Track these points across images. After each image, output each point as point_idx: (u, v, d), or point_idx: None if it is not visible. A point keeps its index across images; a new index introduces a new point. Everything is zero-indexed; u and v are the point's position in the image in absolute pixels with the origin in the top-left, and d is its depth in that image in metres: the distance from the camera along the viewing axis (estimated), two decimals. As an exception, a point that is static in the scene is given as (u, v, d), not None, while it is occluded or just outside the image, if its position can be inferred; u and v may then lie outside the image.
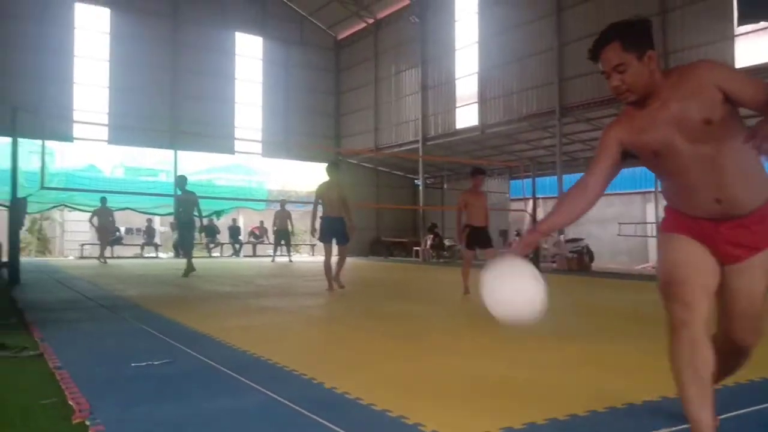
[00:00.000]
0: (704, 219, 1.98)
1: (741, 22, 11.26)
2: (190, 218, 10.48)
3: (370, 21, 21.68)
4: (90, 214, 15.40)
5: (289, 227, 16.28)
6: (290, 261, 16.39)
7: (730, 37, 11.62)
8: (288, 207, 16.56)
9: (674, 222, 2.10)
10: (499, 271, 2.00)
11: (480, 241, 7.59)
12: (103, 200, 15.07)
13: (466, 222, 7.56)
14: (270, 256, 17.07)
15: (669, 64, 12.49)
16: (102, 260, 14.72)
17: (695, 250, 2.01)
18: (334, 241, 7.93)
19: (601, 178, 2.11)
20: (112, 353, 3.77)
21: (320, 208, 8.07)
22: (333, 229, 7.88)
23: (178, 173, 17.23)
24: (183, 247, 10.59)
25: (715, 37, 11.79)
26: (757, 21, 11.04)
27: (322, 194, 7.98)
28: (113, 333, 4.54)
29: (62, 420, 2.36)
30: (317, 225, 8.12)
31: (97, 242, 16.06)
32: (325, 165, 8.60)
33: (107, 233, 15.11)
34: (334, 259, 7.99)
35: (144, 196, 17.29)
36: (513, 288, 1.98)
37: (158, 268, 12.89)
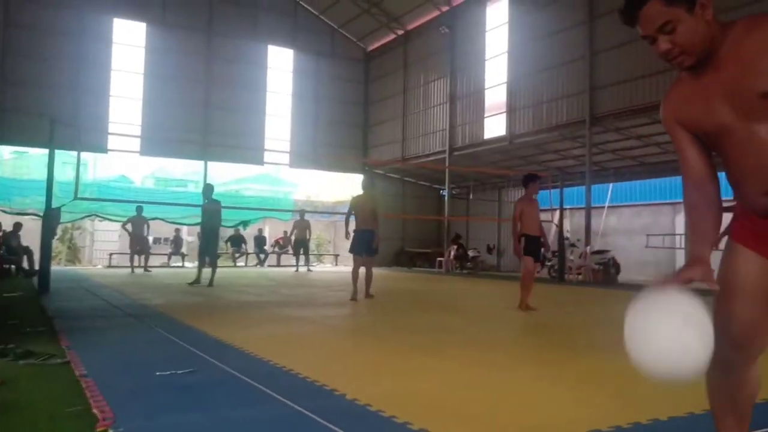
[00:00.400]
0: (759, 217, 1.62)
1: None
2: (215, 227, 10.53)
3: (400, 32, 21.78)
4: (124, 221, 15.61)
5: (308, 237, 16.33)
6: (309, 270, 16.40)
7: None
8: (314, 217, 16.65)
9: (738, 224, 1.71)
10: (656, 312, 1.56)
11: (536, 251, 7.27)
12: (139, 209, 15.25)
13: (522, 231, 7.18)
14: (293, 266, 17.11)
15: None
16: (147, 270, 14.85)
17: (755, 273, 1.64)
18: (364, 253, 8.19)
19: (699, 169, 1.66)
20: (137, 362, 3.81)
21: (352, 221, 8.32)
22: (364, 241, 8.10)
23: (206, 183, 17.48)
24: (208, 255, 10.59)
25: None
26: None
27: (356, 207, 8.25)
28: (139, 341, 4.59)
29: (87, 428, 2.38)
30: (349, 236, 8.37)
31: (127, 252, 16.28)
32: (356, 176, 8.78)
33: (141, 242, 15.28)
34: (362, 270, 8.21)
35: (172, 206, 17.54)
36: (669, 336, 1.50)
37: (185, 278, 13.03)
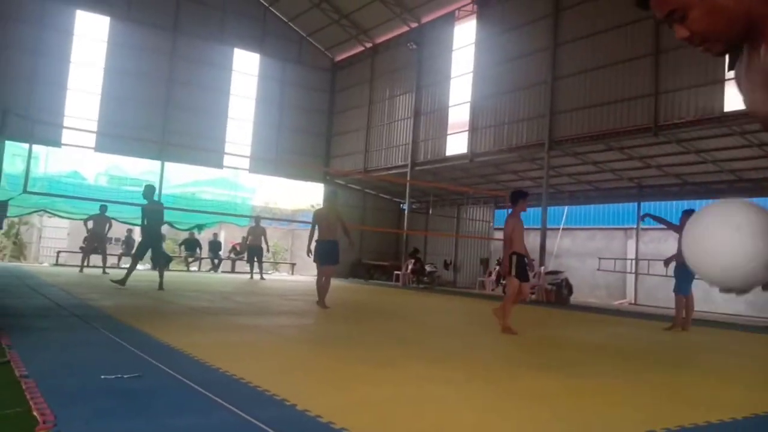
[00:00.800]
0: None
1: (730, 68, 11.48)
2: (158, 229, 10.31)
3: (369, 45, 21.89)
4: (85, 218, 15.05)
5: (263, 244, 16.00)
6: (262, 278, 16.07)
7: (720, 81, 11.85)
8: (272, 224, 16.43)
9: None
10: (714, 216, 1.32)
11: (526, 272, 6.98)
12: (103, 208, 14.66)
13: (513, 250, 6.89)
14: (248, 272, 16.82)
15: (659, 104, 12.72)
16: (105, 271, 14.36)
17: None
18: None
19: None
20: (81, 364, 3.68)
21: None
22: (327, 252, 8.45)
23: (162, 184, 17.13)
24: (156, 258, 10.37)
25: (706, 80, 12.00)
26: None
27: (319, 219, 8.61)
28: (84, 343, 4.45)
29: (26, 430, 2.29)
30: (312, 247, 8.63)
31: (76, 250, 15.75)
32: (317, 185, 8.94)
33: (100, 241, 14.76)
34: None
35: (126, 205, 17.10)
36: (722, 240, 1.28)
37: (135, 280, 12.72)
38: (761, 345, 7.76)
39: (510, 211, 7.19)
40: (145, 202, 10.27)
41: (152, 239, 10.28)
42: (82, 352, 4.11)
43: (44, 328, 5.06)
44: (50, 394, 2.79)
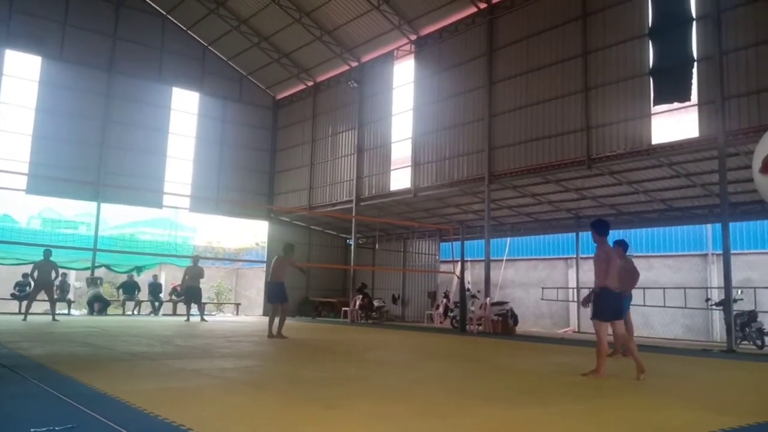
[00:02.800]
0: None
1: (656, 103, 12.15)
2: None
3: (310, 83, 22.06)
4: (31, 268, 14.18)
5: (201, 285, 15.51)
6: (203, 320, 15.53)
7: (648, 115, 12.46)
8: (216, 264, 16.04)
9: None
10: None
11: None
12: (47, 253, 13.88)
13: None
14: (184, 315, 16.23)
15: (591, 138, 13.25)
16: (55, 318, 13.61)
17: None
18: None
19: None
20: (8, 418, 3.46)
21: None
22: (276, 292, 10.49)
23: (98, 226, 16.59)
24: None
25: (634, 115, 12.59)
26: (669, 102, 11.95)
27: (274, 266, 10.60)
28: (12, 395, 4.19)
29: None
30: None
31: (6, 297, 14.91)
32: (261, 223, 9.68)
33: (48, 289, 13.93)
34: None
35: (60, 249, 16.43)
36: None
37: (69, 326, 12.15)
38: (699, 367, 8.04)
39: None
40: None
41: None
42: (10, 404, 3.87)
43: (-33, 382, 4.75)
44: (-28, 453, 2.60)
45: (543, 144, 14.23)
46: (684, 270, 15.69)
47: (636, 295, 15.46)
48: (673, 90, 11.84)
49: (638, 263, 16.52)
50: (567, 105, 13.84)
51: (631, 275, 8.44)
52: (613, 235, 16.01)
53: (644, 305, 15.12)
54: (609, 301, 6.13)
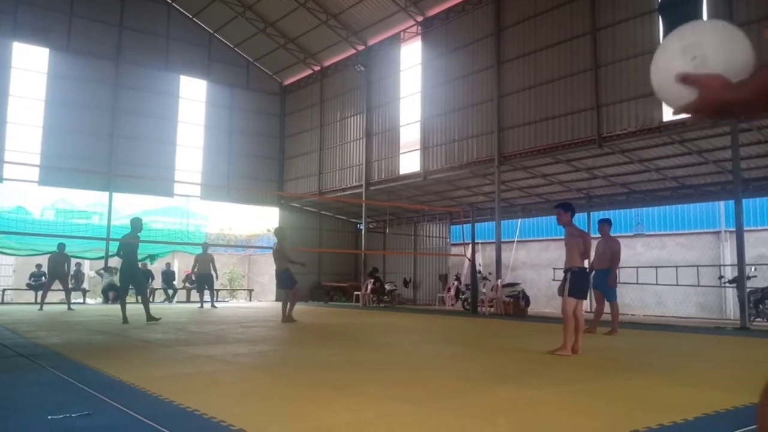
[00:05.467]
0: None
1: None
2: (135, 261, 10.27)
3: (317, 68, 21.98)
4: (44, 258, 14.55)
5: (212, 272, 15.66)
6: (213, 307, 15.68)
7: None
8: (228, 251, 16.15)
9: None
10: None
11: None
12: (61, 246, 14.13)
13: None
14: (197, 302, 16.39)
15: (601, 116, 13.13)
16: (71, 308, 13.91)
17: None
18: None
19: None
20: (26, 405, 3.53)
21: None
22: (282, 279, 10.89)
23: (110, 216, 16.75)
24: (142, 293, 10.44)
25: (644, 92, 12.38)
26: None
27: (275, 255, 10.84)
28: (30, 383, 4.26)
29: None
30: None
31: (22, 287, 15.13)
32: (272, 209, 9.58)
33: (63, 280, 14.18)
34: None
35: (74, 239, 16.59)
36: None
37: (85, 315, 12.32)
38: (711, 346, 8.01)
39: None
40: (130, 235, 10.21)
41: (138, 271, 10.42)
42: (28, 392, 3.94)
43: (-14, 371, 4.84)
44: (-9, 440, 2.66)
45: (553, 123, 14.13)
46: (697, 248, 15.59)
47: (648, 273, 15.47)
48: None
49: (651, 242, 16.56)
50: (577, 83, 13.70)
51: (612, 253, 8.87)
52: (627, 214, 15.93)
53: (657, 284, 15.07)
54: (585, 281, 6.51)
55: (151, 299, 19.08)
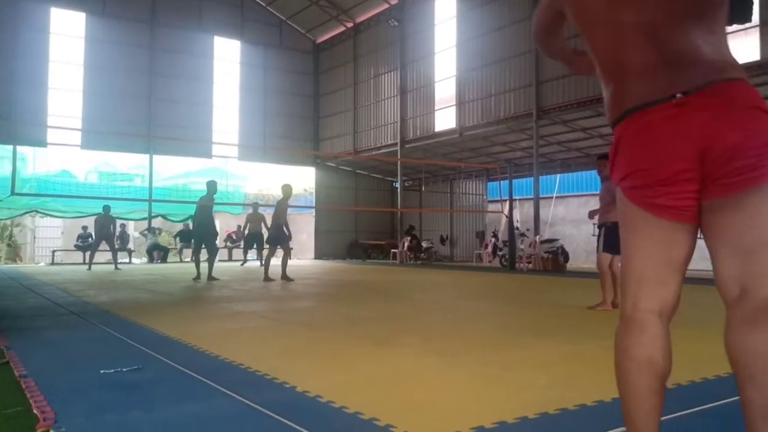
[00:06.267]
0: None
1: (728, 23, 11.44)
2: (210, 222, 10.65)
3: (349, 25, 21.68)
4: (90, 220, 15.12)
5: (263, 230, 15.94)
6: (262, 265, 16.01)
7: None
8: (266, 211, 16.34)
9: None
10: None
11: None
12: (106, 208, 14.57)
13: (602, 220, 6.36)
14: (239, 260, 16.77)
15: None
16: (117, 267, 14.45)
17: None
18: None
19: None
20: (79, 361, 3.69)
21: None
22: (279, 235, 10.49)
23: (152, 178, 17.10)
24: (212, 253, 10.74)
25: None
26: (728, 24, 11.21)
27: (278, 209, 10.62)
28: (82, 340, 4.45)
29: (27, 429, 2.30)
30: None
31: (71, 248, 15.66)
32: (308, 169, 9.46)
33: (109, 240, 14.67)
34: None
35: (118, 201, 17.03)
36: None
37: (131, 274, 12.73)
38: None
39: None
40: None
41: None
42: (80, 348, 4.12)
43: (41, 327, 5.07)
44: (49, 391, 2.80)
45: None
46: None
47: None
48: (732, 10, 11.09)
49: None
50: (618, 33, 13.20)
51: None
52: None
53: (701, 237, 14.74)
54: (618, 235, 6.07)
55: (191, 258, 19.62)
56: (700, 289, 7.54)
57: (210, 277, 10.29)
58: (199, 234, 10.65)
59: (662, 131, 1.44)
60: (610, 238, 6.12)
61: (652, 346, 1.53)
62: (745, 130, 1.39)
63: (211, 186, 10.54)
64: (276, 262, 10.73)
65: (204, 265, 10.51)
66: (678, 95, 1.43)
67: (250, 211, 16.20)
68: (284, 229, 10.45)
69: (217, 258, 11.25)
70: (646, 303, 1.55)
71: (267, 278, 10.26)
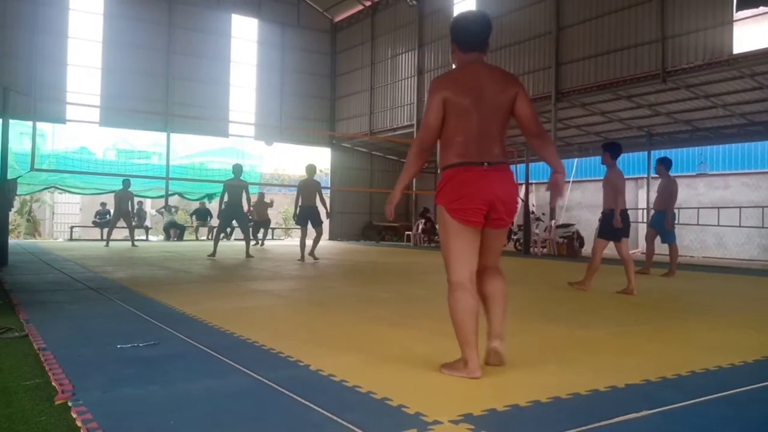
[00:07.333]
0: None
1: (739, 8, 11.21)
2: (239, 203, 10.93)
3: (368, 3, 21.50)
4: (108, 197, 15.31)
5: (269, 217, 16.53)
6: (262, 245, 16.19)
7: (729, 22, 11.54)
8: (282, 191, 16.49)
9: None
10: None
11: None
12: (126, 183, 14.69)
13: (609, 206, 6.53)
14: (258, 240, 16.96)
15: (666, 49, 12.44)
16: (134, 244, 14.60)
17: None
18: (309, 225, 10.38)
19: None
20: (97, 335, 3.75)
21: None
22: (308, 215, 10.30)
23: (169, 156, 17.22)
24: (245, 231, 11.18)
25: (714, 23, 11.71)
26: (756, 6, 10.98)
27: (302, 189, 10.30)
28: (99, 315, 4.52)
29: (44, 401, 2.35)
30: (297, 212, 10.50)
31: (89, 224, 15.81)
32: (324, 150, 9.55)
33: (126, 217, 14.80)
34: (310, 240, 10.58)
35: (136, 178, 17.16)
36: None
37: (148, 251, 12.87)
38: (774, 288, 7.75)
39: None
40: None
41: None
42: (98, 323, 4.18)
43: (60, 301, 5.15)
44: (67, 364, 2.85)
45: (614, 57, 13.49)
46: (763, 188, 14.91)
47: (710, 214, 14.93)
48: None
49: (714, 182, 15.93)
50: (641, 14, 12.97)
51: (669, 194, 8.64)
52: (690, 152, 15.33)
53: (718, 225, 14.57)
54: (614, 222, 6.45)
55: (210, 236, 19.79)
56: (719, 278, 7.48)
57: (248, 254, 10.75)
58: (229, 214, 10.94)
59: (475, 181, 2.77)
60: (605, 225, 6.55)
61: (474, 299, 2.80)
62: (509, 194, 2.84)
63: (237, 168, 10.95)
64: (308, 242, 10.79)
65: (206, 244, 10.78)
66: (485, 164, 2.79)
67: (256, 199, 16.28)
68: (317, 209, 10.40)
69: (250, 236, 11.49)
70: (468, 274, 2.81)
71: (303, 258, 10.42)
